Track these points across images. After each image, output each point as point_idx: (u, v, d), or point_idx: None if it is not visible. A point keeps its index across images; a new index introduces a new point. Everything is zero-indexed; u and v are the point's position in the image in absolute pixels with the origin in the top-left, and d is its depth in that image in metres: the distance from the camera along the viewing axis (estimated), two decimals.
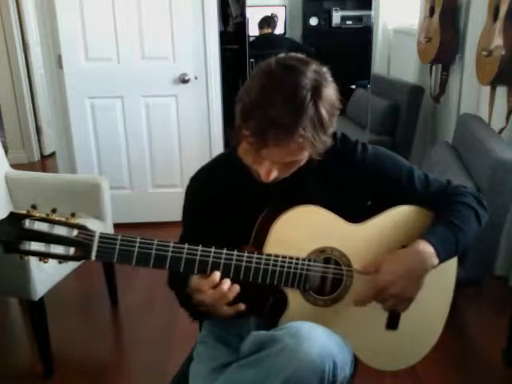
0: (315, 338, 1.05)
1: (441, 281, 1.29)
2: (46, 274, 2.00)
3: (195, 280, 1.13)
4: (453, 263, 1.30)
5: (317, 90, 1.04)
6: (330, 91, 1.07)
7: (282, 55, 1.10)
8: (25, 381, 2.08)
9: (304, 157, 1.11)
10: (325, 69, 1.10)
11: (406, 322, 1.27)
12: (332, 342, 1.08)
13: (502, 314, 2.29)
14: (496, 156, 2.02)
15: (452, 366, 2.07)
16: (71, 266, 2.16)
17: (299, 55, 1.10)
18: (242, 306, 1.12)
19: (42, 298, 2.01)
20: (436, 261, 1.17)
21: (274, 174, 1.11)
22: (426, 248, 1.16)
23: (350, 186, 1.24)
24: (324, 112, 1.04)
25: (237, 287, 1.11)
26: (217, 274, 1.10)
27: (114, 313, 2.55)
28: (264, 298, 1.23)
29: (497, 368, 2.09)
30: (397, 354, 1.30)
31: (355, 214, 1.22)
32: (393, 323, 1.27)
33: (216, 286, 1.10)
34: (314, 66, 1.07)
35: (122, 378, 2.11)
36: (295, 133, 1.02)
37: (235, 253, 1.13)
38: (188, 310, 1.27)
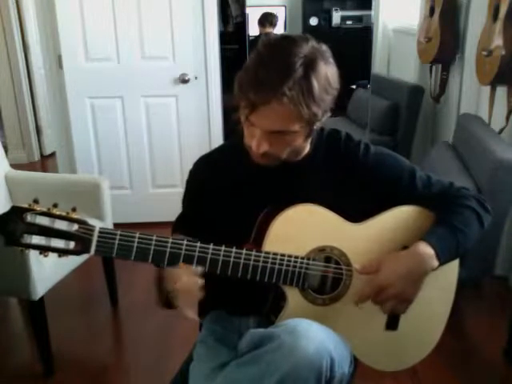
0: (312, 334, 1.05)
1: (442, 281, 1.28)
2: (46, 274, 2.00)
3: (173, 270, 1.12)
4: (455, 264, 1.29)
5: (311, 61, 1.06)
6: (327, 68, 1.09)
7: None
8: (25, 381, 2.08)
9: (295, 130, 1.10)
10: (325, 47, 1.12)
11: (406, 323, 1.27)
12: (329, 339, 1.08)
13: (502, 314, 2.29)
14: (496, 156, 2.02)
15: (452, 366, 2.07)
16: (71, 265, 2.17)
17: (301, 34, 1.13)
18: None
19: (42, 298, 2.01)
20: (436, 263, 1.16)
21: (265, 147, 1.11)
22: (426, 250, 1.16)
23: (351, 186, 1.24)
24: (315, 82, 1.05)
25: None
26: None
27: (114, 313, 2.55)
28: (264, 297, 1.23)
29: (497, 368, 2.09)
30: (397, 355, 1.30)
31: (356, 213, 1.22)
32: (392, 323, 1.27)
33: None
34: (313, 42, 1.10)
35: (121, 378, 2.11)
36: (279, 90, 1.03)
37: (233, 250, 1.13)
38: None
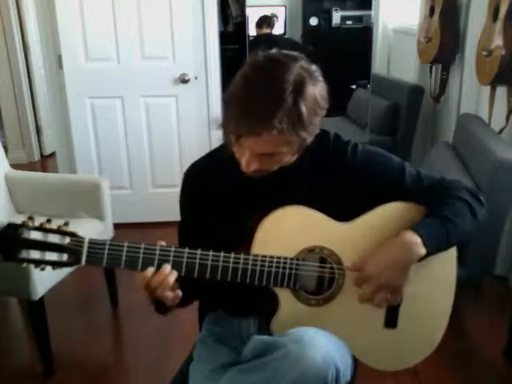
0: (318, 344, 1.05)
1: (440, 278, 1.28)
2: (45, 274, 1.99)
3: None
4: (452, 260, 1.28)
5: (300, 86, 1.04)
6: (316, 89, 1.07)
7: (273, 50, 1.11)
8: (25, 381, 2.09)
9: (284, 152, 1.10)
10: (314, 67, 1.10)
11: (405, 321, 1.26)
12: (334, 348, 1.08)
13: (502, 314, 2.29)
14: (496, 156, 2.02)
15: (452, 366, 2.07)
16: None
17: (290, 52, 1.11)
18: (179, 292, 1.13)
19: (42, 298, 2.01)
20: (423, 250, 1.14)
21: (254, 166, 1.12)
22: (413, 238, 1.14)
23: (341, 185, 1.23)
24: (304, 108, 1.04)
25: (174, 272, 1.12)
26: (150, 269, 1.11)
27: (114, 313, 2.55)
28: (257, 299, 1.22)
29: (497, 368, 2.09)
30: (398, 354, 1.29)
31: (347, 212, 1.21)
32: (391, 321, 1.26)
33: (155, 273, 1.11)
34: (302, 62, 1.08)
35: (122, 378, 2.12)
36: (269, 124, 1.02)
37: (222, 254, 1.14)
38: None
